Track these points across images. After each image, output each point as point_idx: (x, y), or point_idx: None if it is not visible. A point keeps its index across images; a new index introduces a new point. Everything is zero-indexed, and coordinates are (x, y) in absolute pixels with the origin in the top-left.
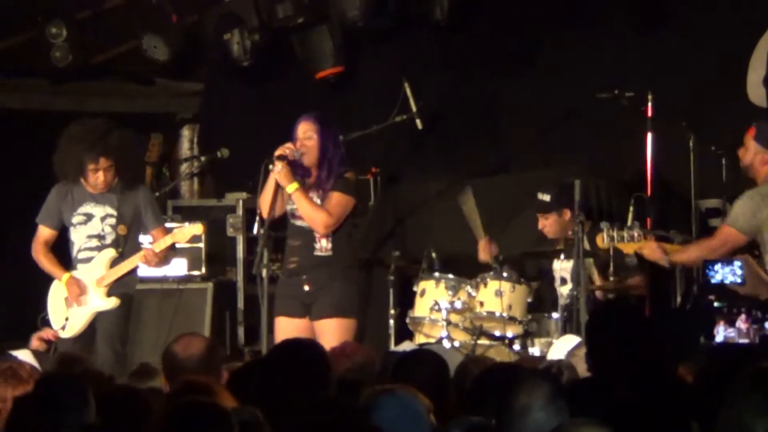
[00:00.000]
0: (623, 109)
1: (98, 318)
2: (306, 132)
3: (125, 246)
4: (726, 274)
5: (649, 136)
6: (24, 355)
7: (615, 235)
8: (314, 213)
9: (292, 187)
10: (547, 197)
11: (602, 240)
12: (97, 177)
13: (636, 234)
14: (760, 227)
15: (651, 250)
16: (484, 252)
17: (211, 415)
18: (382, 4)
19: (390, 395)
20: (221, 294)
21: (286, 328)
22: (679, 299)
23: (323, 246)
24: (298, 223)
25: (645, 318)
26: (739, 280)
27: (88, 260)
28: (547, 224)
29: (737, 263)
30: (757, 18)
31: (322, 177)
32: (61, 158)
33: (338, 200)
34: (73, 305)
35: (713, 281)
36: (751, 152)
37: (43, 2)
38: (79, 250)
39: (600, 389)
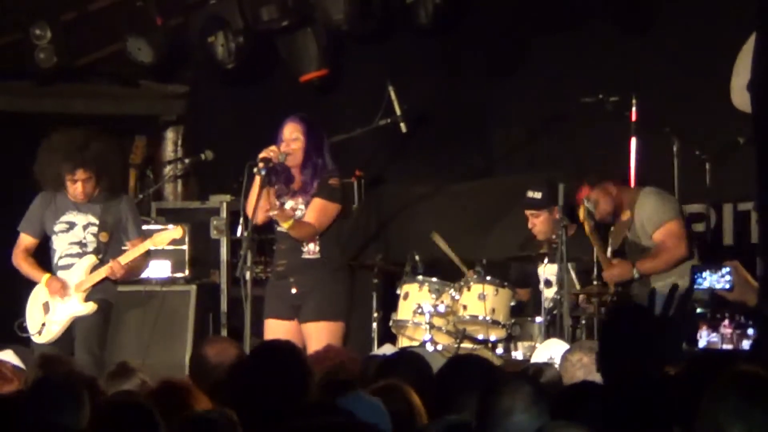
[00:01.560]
0: (607, 113)
1: (76, 323)
2: (292, 133)
3: (106, 253)
4: (714, 280)
5: (633, 140)
6: (6, 356)
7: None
8: (304, 233)
9: (287, 225)
10: (538, 194)
11: (582, 211)
12: (76, 188)
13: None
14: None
15: (619, 273)
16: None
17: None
18: (366, 8)
19: (353, 396)
20: (205, 296)
21: (275, 329)
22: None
23: (311, 249)
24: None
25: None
26: (727, 286)
27: (68, 267)
28: (538, 222)
29: (726, 269)
30: (741, 23)
31: (306, 180)
32: (40, 168)
33: (322, 207)
34: (50, 310)
35: (701, 287)
36: (603, 199)
37: (27, 4)
38: (60, 257)
39: (587, 394)
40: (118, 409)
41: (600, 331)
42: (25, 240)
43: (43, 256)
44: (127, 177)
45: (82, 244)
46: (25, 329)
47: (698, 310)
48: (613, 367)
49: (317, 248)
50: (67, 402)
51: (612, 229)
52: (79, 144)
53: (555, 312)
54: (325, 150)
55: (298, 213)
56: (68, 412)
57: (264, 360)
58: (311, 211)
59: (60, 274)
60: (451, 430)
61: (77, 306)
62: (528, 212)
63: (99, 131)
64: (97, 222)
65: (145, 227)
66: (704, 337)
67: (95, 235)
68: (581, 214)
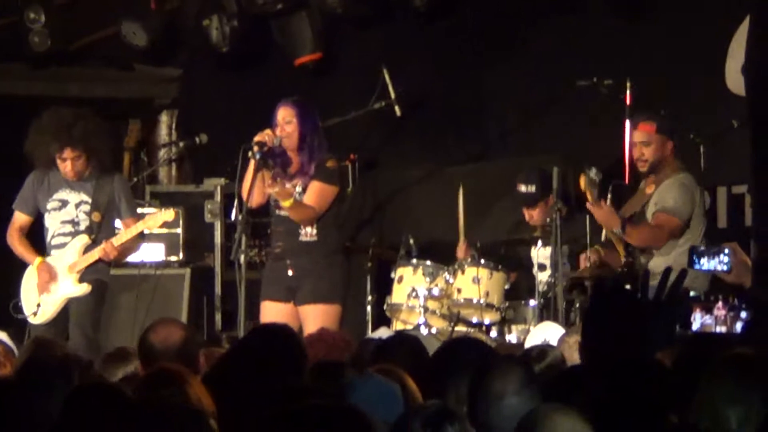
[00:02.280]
0: (602, 96)
1: (70, 304)
2: (285, 117)
3: (99, 232)
4: (713, 263)
5: (628, 123)
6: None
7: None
8: (304, 215)
9: (288, 203)
10: (532, 188)
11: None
12: (66, 166)
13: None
14: (691, 214)
15: (604, 217)
16: (461, 252)
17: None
18: None
19: (364, 377)
20: (199, 280)
21: (271, 312)
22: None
23: (308, 231)
24: (283, 213)
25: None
26: (725, 268)
27: (61, 246)
28: (535, 214)
29: (726, 250)
30: (736, 6)
31: (303, 162)
32: (30, 147)
33: (320, 190)
34: (44, 292)
35: (701, 269)
36: (657, 146)
37: None
38: (53, 236)
39: (583, 379)
40: (89, 394)
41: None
42: (20, 218)
43: (37, 235)
44: (121, 159)
45: (74, 223)
46: (20, 310)
47: (691, 293)
48: (595, 353)
49: (314, 231)
50: (55, 385)
51: (631, 199)
52: (66, 123)
53: (549, 295)
54: (320, 132)
55: (296, 196)
56: (57, 395)
57: (259, 343)
58: (310, 194)
59: (53, 253)
60: (434, 416)
61: (71, 287)
62: (524, 207)
63: (89, 111)
64: (89, 200)
65: (138, 210)
66: (698, 320)
67: (88, 214)
68: (582, 183)
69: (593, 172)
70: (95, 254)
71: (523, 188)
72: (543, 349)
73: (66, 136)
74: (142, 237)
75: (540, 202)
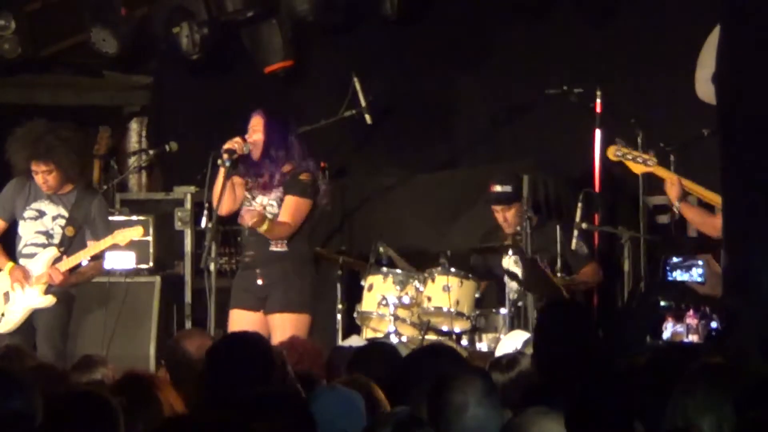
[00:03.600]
0: (572, 105)
1: (37, 315)
2: (254, 125)
3: (70, 247)
4: (687, 275)
5: (598, 132)
6: None
7: (626, 151)
8: (280, 233)
9: (264, 227)
10: (508, 188)
11: (612, 153)
12: (39, 179)
13: (649, 159)
14: None
15: (672, 183)
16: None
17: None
18: None
19: (330, 390)
20: (169, 288)
21: (240, 320)
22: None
23: (279, 241)
24: None
25: (593, 316)
26: (699, 279)
27: (31, 255)
28: (509, 216)
29: (700, 262)
30: (706, 14)
31: (270, 173)
32: (9, 158)
33: (295, 205)
34: (10, 300)
35: (674, 279)
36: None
37: None
38: (25, 245)
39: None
40: (75, 399)
41: (534, 329)
42: None
43: (9, 241)
44: (91, 168)
45: (48, 235)
46: None
47: (662, 303)
48: (546, 364)
49: (285, 241)
50: (14, 389)
51: None
52: (35, 136)
53: (519, 304)
54: (291, 143)
55: (269, 209)
56: (18, 399)
57: (229, 351)
58: (285, 210)
59: (22, 261)
60: (402, 423)
61: (37, 298)
62: (498, 207)
63: (65, 124)
64: (66, 215)
65: (110, 218)
66: (669, 328)
67: (62, 228)
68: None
69: (619, 142)
70: (44, 277)
71: (498, 188)
72: (513, 357)
73: (33, 149)
74: (98, 259)
75: (516, 203)
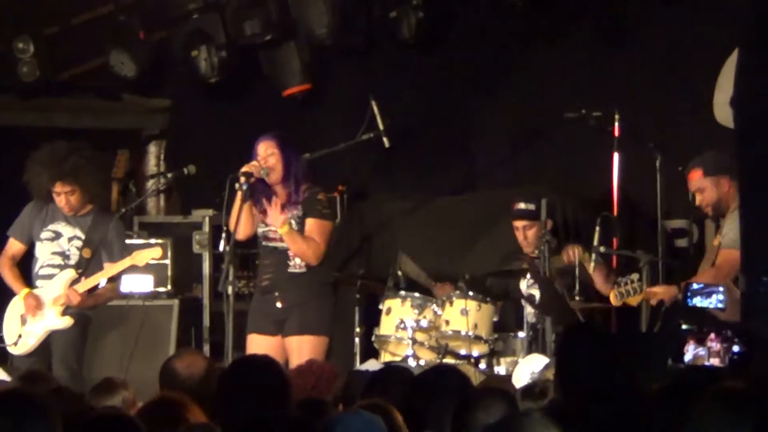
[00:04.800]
0: (590, 128)
1: (54, 337)
2: (267, 150)
3: (87, 269)
4: (708, 301)
5: (616, 155)
6: None
7: (624, 291)
8: (306, 248)
9: (284, 229)
10: (532, 206)
11: (615, 298)
12: (60, 200)
13: (636, 286)
14: None
15: (665, 293)
16: (441, 291)
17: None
18: (350, 22)
19: (353, 414)
20: (187, 311)
21: (258, 345)
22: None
23: (297, 263)
24: (272, 244)
25: (614, 339)
26: (720, 306)
27: (48, 277)
28: (530, 234)
29: (721, 288)
30: (724, 38)
31: (290, 192)
32: (29, 180)
33: (321, 228)
34: (27, 322)
35: (695, 305)
36: (710, 189)
37: (10, 17)
38: (42, 266)
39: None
40: (103, 422)
41: (555, 351)
42: (14, 246)
43: (28, 264)
44: (110, 191)
45: (65, 256)
46: (0, 339)
47: (684, 327)
48: (570, 390)
49: (303, 263)
50: (36, 413)
51: (703, 261)
52: (59, 157)
53: (538, 327)
54: (302, 162)
55: (292, 224)
56: (41, 423)
57: (241, 374)
58: (314, 233)
59: (39, 283)
60: None
61: (54, 320)
62: (520, 224)
63: (85, 145)
64: (83, 237)
65: (127, 241)
66: (691, 351)
67: (79, 249)
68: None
69: (617, 287)
70: (62, 299)
71: (522, 205)
72: (546, 386)
73: (57, 169)
74: (117, 279)
75: (538, 221)
